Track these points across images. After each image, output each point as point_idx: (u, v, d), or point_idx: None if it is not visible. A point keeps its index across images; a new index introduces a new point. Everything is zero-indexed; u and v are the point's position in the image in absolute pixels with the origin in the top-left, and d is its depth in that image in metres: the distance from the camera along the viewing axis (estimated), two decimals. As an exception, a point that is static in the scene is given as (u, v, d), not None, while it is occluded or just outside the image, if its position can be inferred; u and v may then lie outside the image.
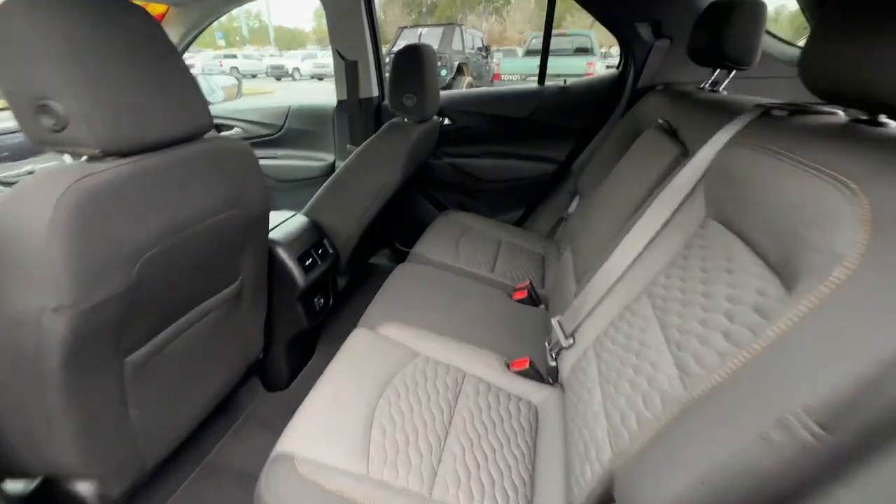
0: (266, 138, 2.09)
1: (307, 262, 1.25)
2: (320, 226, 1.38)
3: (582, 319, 0.90)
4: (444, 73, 8.92)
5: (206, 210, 0.81)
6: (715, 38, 1.05)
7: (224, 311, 1.01)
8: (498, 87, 1.82)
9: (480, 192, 1.93)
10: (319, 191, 1.38)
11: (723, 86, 1.16)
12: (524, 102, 1.74)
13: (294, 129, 2.04)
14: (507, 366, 1.03)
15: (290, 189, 2.12)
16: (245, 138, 2.11)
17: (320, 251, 1.33)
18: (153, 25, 0.70)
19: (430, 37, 9.40)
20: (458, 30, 9.61)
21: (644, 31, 1.45)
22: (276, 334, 1.29)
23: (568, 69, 9.37)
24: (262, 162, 2.02)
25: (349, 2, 1.63)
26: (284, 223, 1.29)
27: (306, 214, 1.39)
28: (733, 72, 1.13)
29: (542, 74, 1.74)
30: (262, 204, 0.97)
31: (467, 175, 1.88)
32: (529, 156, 1.82)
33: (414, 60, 1.28)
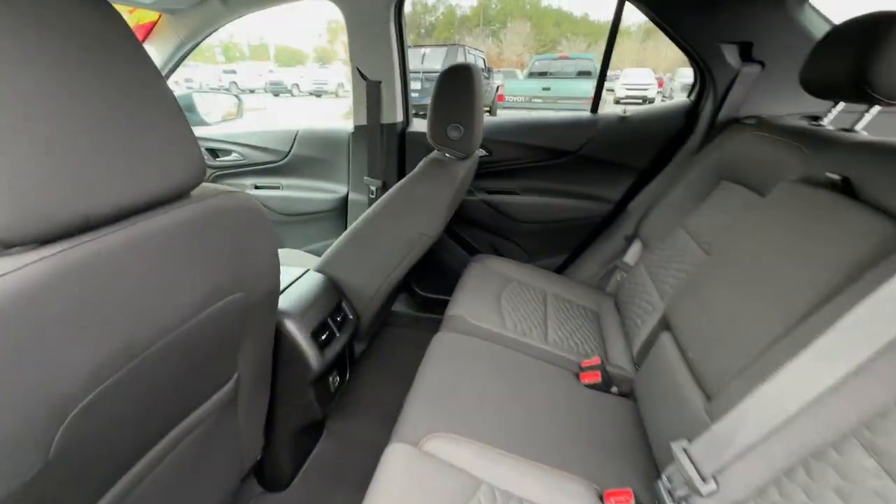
0: (268, 165, 1.83)
1: (323, 337, 0.97)
2: (338, 284, 1.10)
3: (732, 459, 0.62)
4: (447, 93, 8.78)
5: (191, 305, 0.53)
6: (858, 64, 0.81)
7: (212, 422, 0.72)
8: (544, 115, 1.57)
9: (517, 234, 1.67)
10: (338, 241, 1.11)
11: (863, 123, 0.92)
12: (574, 133, 1.50)
13: (301, 156, 1.78)
14: (601, 497, 0.76)
15: (295, 224, 1.85)
16: (244, 164, 1.85)
17: (339, 318, 1.05)
18: (118, 26, 0.44)
19: (433, 57, 9.31)
20: (461, 50, 9.55)
21: (730, 53, 1.22)
22: (280, 427, 1.00)
23: (572, 92, 9.33)
24: (262, 192, 1.75)
25: (376, 14, 1.39)
26: (294, 284, 1.01)
27: (322, 270, 1.11)
28: (874, 107, 0.89)
29: (596, 102, 1.51)
30: (271, 279, 0.69)
31: (503, 214, 1.62)
32: (577, 194, 1.57)
33: (463, 83, 1.03)
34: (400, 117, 1.57)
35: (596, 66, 9.87)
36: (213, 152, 1.86)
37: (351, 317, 1.09)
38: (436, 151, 1.13)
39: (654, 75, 16.14)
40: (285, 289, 0.99)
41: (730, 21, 1.18)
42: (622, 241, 1.52)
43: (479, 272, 1.46)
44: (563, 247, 1.65)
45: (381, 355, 1.55)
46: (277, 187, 1.84)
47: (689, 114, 1.39)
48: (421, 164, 1.07)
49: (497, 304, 1.29)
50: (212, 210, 0.55)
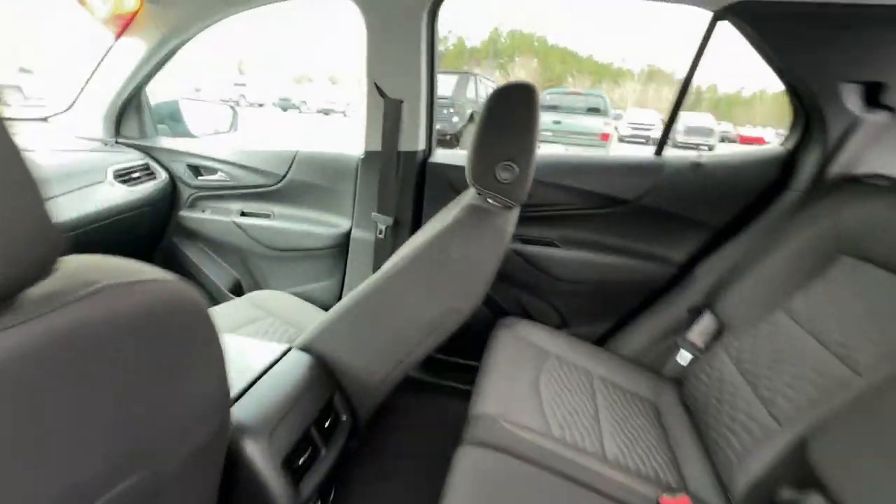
0: (259, 189, 1.54)
1: (301, 461, 0.65)
2: (331, 369, 0.80)
3: None
4: (455, 119, 8.71)
5: None
6: None
7: None
8: (597, 154, 1.31)
9: (553, 294, 1.37)
10: (336, 310, 0.81)
11: None
12: (634, 178, 1.23)
13: (299, 182, 1.50)
14: None
15: (285, 260, 1.55)
16: (229, 186, 1.56)
17: (328, 423, 0.74)
18: None
19: (443, 83, 9.23)
20: (472, 79, 9.50)
21: (851, 95, 0.97)
22: None
23: (582, 128, 9.23)
24: (250, 221, 1.45)
25: (404, 17, 1.13)
26: (266, 377, 0.70)
27: (310, 347, 0.81)
28: None
29: (662, 143, 1.24)
30: (214, 421, 0.39)
31: (538, 269, 1.33)
32: (631, 251, 1.28)
33: (522, 108, 0.75)
34: (422, 145, 1.30)
35: (606, 103, 9.85)
36: (196, 169, 1.58)
37: (344, 417, 0.78)
38: (474, 196, 0.84)
39: (659, 116, 16.40)
40: (253, 382, 0.68)
41: (857, 57, 0.93)
42: (684, 313, 1.23)
43: (508, 342, 1.16)
44: (607, 313, 1.36)
45: (377, 438, 1.23)
46: (268, 216, 1.55)
47: (785, 164, 1.12)
48: (458, 213, 0.78)
49: (535, 393, 0.99)
50: (79, 325, 0.25)
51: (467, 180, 0.80)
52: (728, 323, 1.09)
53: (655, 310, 1.29)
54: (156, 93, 1.62)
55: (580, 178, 1.27)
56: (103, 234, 1.32)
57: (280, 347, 0.77)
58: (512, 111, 0.76)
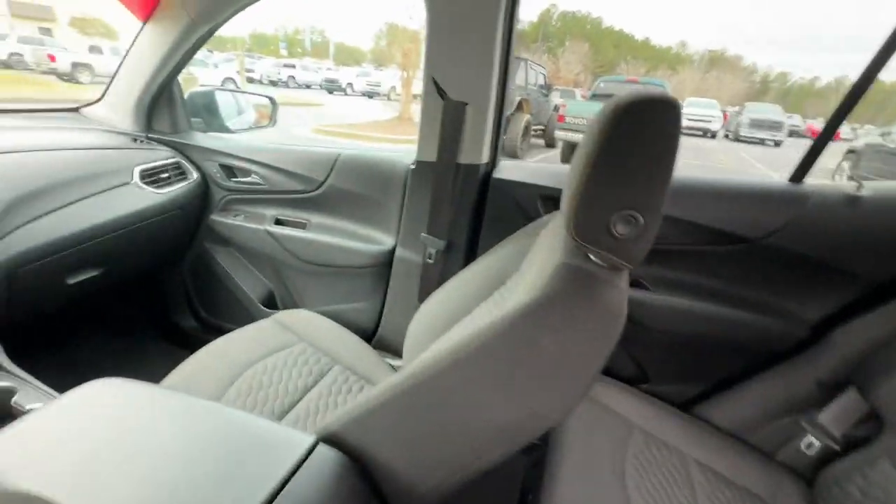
0: (296, 195, 1.38)
1: None
2: (367, 470, 0.61)
3: None
4: (503, 107, 8.30)
5: None
6: None
7: None
8: (706, 176, 1.03)
9: (635, 344, 1.13)
10: (376, 398, 0.61)
11: None
12: (763, 210, 0.95)
13: (340, 189, 1.32)
14: None
15: (320, 276, 1.38)
16: (264, 191, 1.40)
17: None
18: None
19: (492, 68, 8.80)
20: (522, 64, 9.03)
21: None
22: None
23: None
24: (284, 231, 1.25)
25: (477, 4, 0.90)
26: (282, 497, 0.52)
27: (338, 440, 0.61)
28: None
29: (806, 166, 0.95)
30: None
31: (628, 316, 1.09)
32: (745, 302, 1.01)
33: (660, 135, 0.51)
34: (486, 157, 1.08)
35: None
36: (229, 170, 1.43)
37: None
38: (570, 250, 0.61)
39: (719, 108, 15.26)
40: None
41: None
42: (812, 387, 0.96)
43: (583, 408, 0.94)
44: (700, 373, 1.10)
45: None
46: (304, 225, 1.39)
47: None
48: (550, 281, 0.55)
49: (623, 494, 0.77)
50: None
51: (567, 230, 0.57)
52: (889, 417, 0.82)
53: (770, 376, 1.02)
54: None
55: (685, 205, 1.00)
56: (127, 242, 1.20)
57: (304, 442, 0.58)
58: (643, 139, 0.52)
